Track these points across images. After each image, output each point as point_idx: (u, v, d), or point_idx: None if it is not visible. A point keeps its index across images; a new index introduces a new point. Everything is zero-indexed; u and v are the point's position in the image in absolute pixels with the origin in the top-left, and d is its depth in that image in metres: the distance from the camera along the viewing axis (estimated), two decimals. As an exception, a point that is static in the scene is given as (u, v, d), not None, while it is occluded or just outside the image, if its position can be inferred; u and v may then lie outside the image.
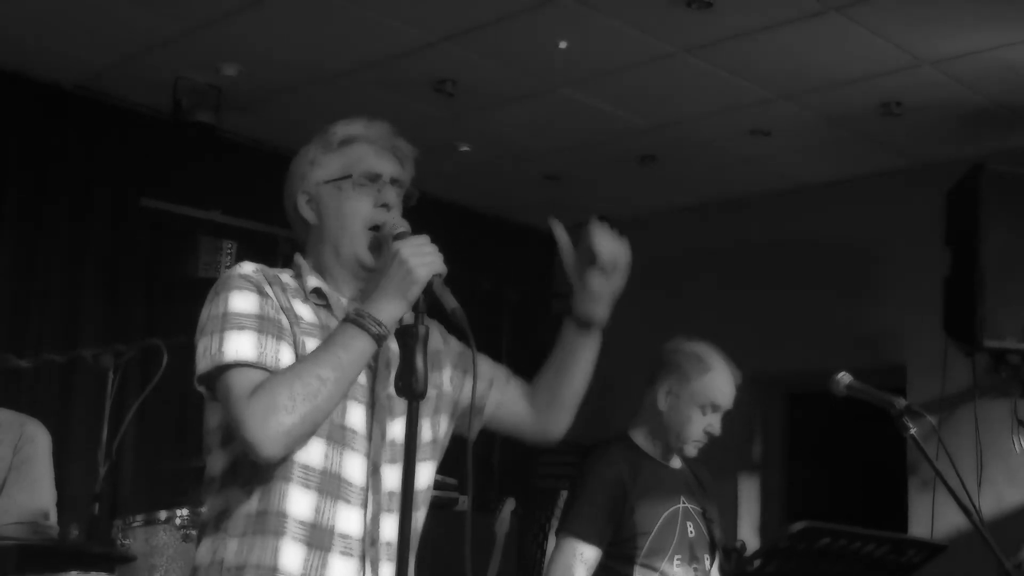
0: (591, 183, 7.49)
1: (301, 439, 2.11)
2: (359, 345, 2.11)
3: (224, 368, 2.12)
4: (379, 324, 2.12)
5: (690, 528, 3.51)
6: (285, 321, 2.20)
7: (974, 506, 3.17)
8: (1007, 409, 5.94)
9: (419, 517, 2.33)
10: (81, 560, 3.55)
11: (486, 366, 2.49)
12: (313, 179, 2.36)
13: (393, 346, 2.30)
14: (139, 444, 6.10)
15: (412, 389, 2.07)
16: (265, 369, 2.12)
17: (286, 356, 2.16)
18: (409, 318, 2.16)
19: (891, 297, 6.67)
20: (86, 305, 6.23)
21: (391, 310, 2.14)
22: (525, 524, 6.08)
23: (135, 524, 4.18)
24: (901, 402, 3.11)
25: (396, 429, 2.26)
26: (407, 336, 2.11)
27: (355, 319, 2.12)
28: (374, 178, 2.34)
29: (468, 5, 5.18)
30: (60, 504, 3.64)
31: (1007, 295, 5.34)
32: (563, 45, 5.47)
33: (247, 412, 2.06)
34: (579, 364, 2.51)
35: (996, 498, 5.92)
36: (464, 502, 5.67)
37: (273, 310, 2.19)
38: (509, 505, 5.24)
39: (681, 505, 3.52)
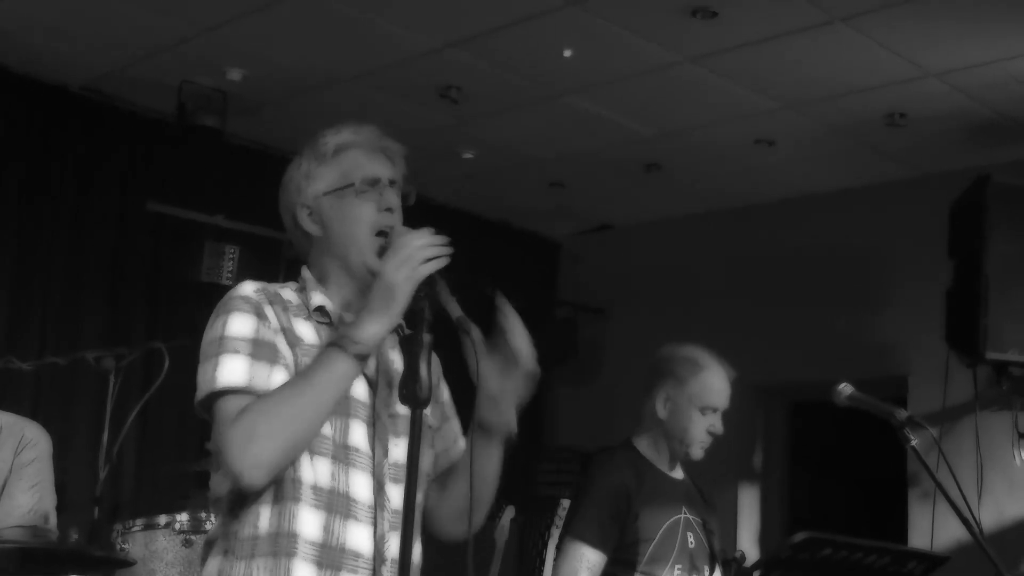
0: (596, 191, 7.50)
1: (283, 465, 2.11)
2: (339, 367, 2.11)
3: (217, 395, 2.13)
4: (358, 344, 2.11)
5: (690, 538, 3.51)
6: (283, 343, 2.19)
7: (974, 518, 3.17)
8: (1008, 421, 5.94)
9: (416, 544, 2.31)
10: (81, 564, 3.55)
11: (451, 433, 2.48)
12: (311, 192, 2.34)
13: (395, 364, 2.30)
14: (140, 448, 6.10)
15: (415, 397, 2.06)
16: (254, 394, 2.12)
17: (278, 381, 2.15)
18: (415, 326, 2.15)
19: (894, 308, 6.66)
20: (88, 308, 6.23)
21: (374, 329, 2.13)
22: (524, 532, 6.08)
23: (135, 528, 4.18)
24: (902, 413, 3.12)
25: (398, 448, 2.26)
26: (412, 344, 2.10)
27: (336, 341, 2.12)
28: (374, 183, 2.32)
29: (474, 12, 5.19)
30: (60, 507, 3.63)
31: (1010, 307, 5.33)
32: (568, 53, 5.48)
33: (228, 440, 2.07)
34: (477, 469, 2.28)
35: (996, 510, 5.91)
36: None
37: (270, 332, 2.19)
38: (509, 513, 5.24)
39: (683, 515, 3.52)
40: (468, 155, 6.95)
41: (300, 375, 2.13)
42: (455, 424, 2.49)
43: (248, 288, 2.25)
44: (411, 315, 2.17)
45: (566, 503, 3.64)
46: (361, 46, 5.57)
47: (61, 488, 3.72)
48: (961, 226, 5.64)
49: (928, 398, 6.14)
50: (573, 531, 3.43)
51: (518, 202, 7.79)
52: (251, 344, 2.16)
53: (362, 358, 2.12)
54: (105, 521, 4.59)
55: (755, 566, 3.20)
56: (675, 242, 7.79)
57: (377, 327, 2.13)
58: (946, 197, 5.74)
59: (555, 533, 4.73)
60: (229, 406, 2.10)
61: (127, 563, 3.86)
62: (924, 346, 6.22)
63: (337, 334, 2.14)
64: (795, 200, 7.18)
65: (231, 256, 6.16)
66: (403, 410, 2.27)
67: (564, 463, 7.71)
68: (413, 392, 2.06)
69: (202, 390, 2.15)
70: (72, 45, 5.75)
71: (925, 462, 3.12)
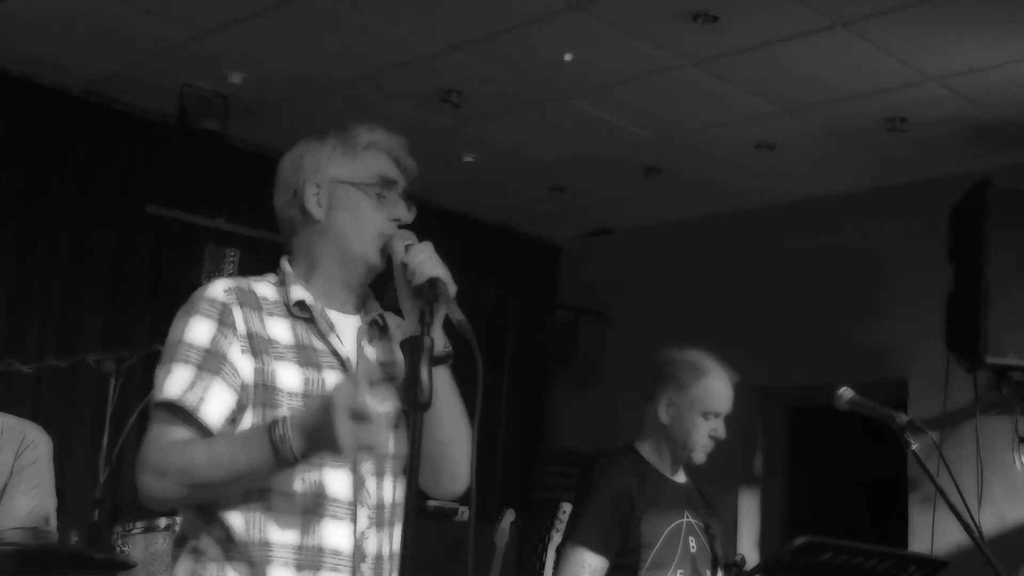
0: (596, 194, 7.50)
1: (179, 507, 2.21)
2: (265, 466, 2.05)
3: (159, 405, 2.15)
4: (295, 456, 2.03)
5: (692, 543, 3.50)
6: (236, 354, 2.16)
7: (974, 522, 3.17)
8: (1008, 426, 5.94)
9: (394, 533, 2.28)
10: (81, 566, 3.55)
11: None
12: (329, 173, 2.30)
13: (373, 355, 2.29)
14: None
15: (416, 400, 2.05)
16: (183, 410, 2.11)
17: (214, 399, 2.13)
18: (415, 329, 2.13)
19: (894, 311, 6.67)
20: (89, 310, 6.24)
21: (308, 449, 2.02)
22: (525, 535, 6.07)
23: (135, 531, 4.18)
24: (903, 417, 3.12)
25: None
26: (413, 347, 2.08)
27: (276, 441, 2.02)
28: (392, 190, 2.32)
29: (475, 16, 5.19)
30: (60, 510, 3.64)
31: (1010, 312, 5.33)
32: (569, 57, 5.48)
33: (145, 460, 2.10)
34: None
35: (996, 515, 5.91)
36: (464, 513, 5.66)
37: (227, 342, 2.16)
38: (509, 516, 5.23)
39: (685, 520, 3.51)
40: (469, 158, 6.96)
41: (227, 451, 2.08)
42: None
43: (217, 289, 2.23)
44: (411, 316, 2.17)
45: (567, 507, 3.63)
46: (362, 49, 5.58)
47: (61, 490, 3.73)
48: (961, 230, 5.64)
49: (928, 402, 6.14)
50: (575, 536, 3.42)
51: (519, 205, 7.79)
52: (203, 354, 2.15)
53: (288, 467, 2.06)
54: (105, 523, 4.59)
55: (755, 570, 3.20)
56: (676, 245, 7.79)
57: (311, 451, 2.03)
58: (946, 201, 5.75)
59: (555, 537, 4.72)
60: (163, 427, 2.13)
61: (127, 565, 3.86)
62: (924, 350, 6.22)
63: (280, 429, 2.02)
64: (796, 204, 7.18)
65: (232, 259, 6.17)
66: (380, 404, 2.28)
67: (565, 466, 7.71)
68: (414, 395, 2.04)
69: (154, 396, 2.17)
70: (73, 48, 5.76)
71: (925, 466, 3.13)
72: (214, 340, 2.16)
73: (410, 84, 5.91)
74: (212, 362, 2.14)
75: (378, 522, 2.22)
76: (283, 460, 2.02)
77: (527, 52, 5.50)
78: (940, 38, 5.03)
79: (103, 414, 4.74)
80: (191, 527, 2.19)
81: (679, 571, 3.45)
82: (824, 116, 5.97)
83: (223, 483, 2.08)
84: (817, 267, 7.03)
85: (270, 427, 2.04)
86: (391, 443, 2.26)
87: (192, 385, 2.12)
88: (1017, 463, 5.93)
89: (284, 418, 2.04)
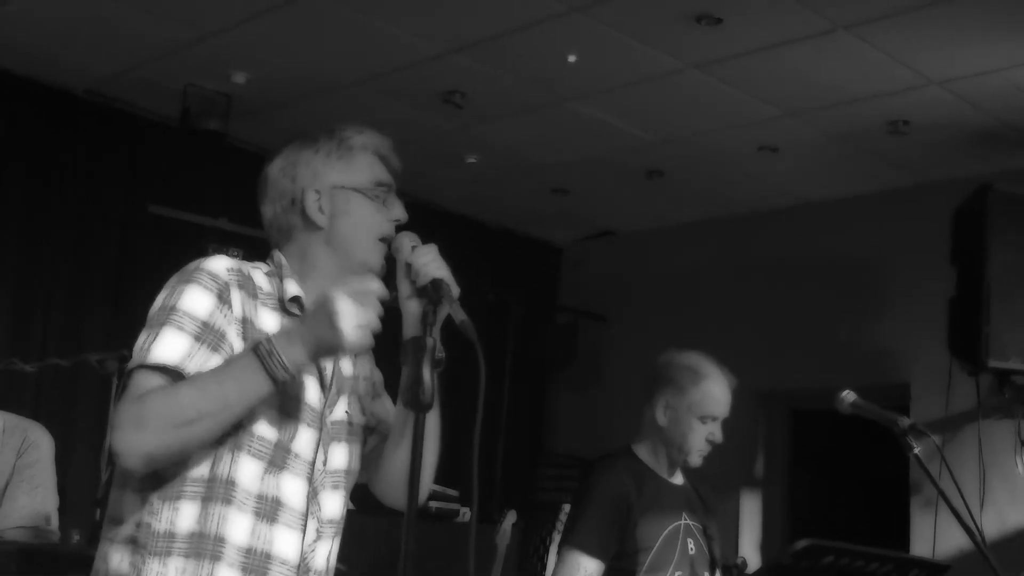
0: (598, 197, 7.51)
1: (165, 460, 2.01)
2: (255, 386, 1.99)
3: (145, 367, 2.04)
4: (285, 369, 1.98)
5: (691, 545, 3.50)
6: (234, 334, 2.11)
7: (977, 526, 3.17)
8: (1011, 429, 5.93)
9: (333, 548, 2.26)
10: (82, 565, 3.54)
11: (390, 410, 2.39)
12: (328, 180, 2.28)
13: (345, 369, 2.27)
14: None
15: (419, 401, 2.03)
16: (180, 376, 2.02)
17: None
18: (418, 330, 2.13)
19: (896, 315, 6.67)
20: (92, 310, 6.25)
21: (301, 357, 2.00)
22: (526, 537, 6.07)
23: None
24: (905, 421, 3.12)
25: (337, 455, 2.24)
26: (415, 348, 2.07)
27: (263, 356, 1.98)
28: (390, 190, 2.32)
29: (478, 17, 5.19)
30: (62, 509, 3.64)
31: (1012, 315, 5.33)
32: (572, 59, 5.49)
33: (121, 418, 1.98)
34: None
35: (999, 518, 5.90)
36: (465, 514, 5.66)
37: (224, 321, 2.10)
38: (510, 518, 5.23)
39: (683, 522, 3.51)
40: (471, 160, 6.96)
41: (212, 379, 2.00)
42: (386, 399, 2.42)
43: (220, 265, 2.16)
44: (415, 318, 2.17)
45: (568, 508, 3.63)
46: (365, 50, 5.58)
47: (63, 490, 3.73)
48: (963, 233, 5.64)
49: (930, 406, 6.14)
50: (572, 540, 3.42)
51: (520, 207, 7.80)
52: (200, 326, 2.07)
53: (282, 384, 2.01)
54: (106, 523, 4.58)
55: (757, 573, 3.20)
56: (677, 249, 7.79)
57: (304, 359, 2.01)
58: (948, 204, 5.75)
59: (556, 539, 4.73)
60: (144, 381, 2.02)
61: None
62: (926, 353, 6.22)
63: (265, 345, 1.98)
64: (798, 207, 7.18)
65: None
66: (341, 416, 2.25)
67: (565, 468, 7.71)
68: (417, 396, 2.03)
69: (136, 359, 2.05)
70: (76, 49, 5.76)
71: (928, 470, 3.12)
72: (212, 315, 2.09)
73: (412, 85, 5.92)
74: (210, 337, 2.07)
75: (325, 536, 2.21)
76: (273, 376, 1.98)
77: (530, 54, 5.50)
78: (942, 42, 5.03)
79: (105, 414, 4.73)
80: (129, 513, 2.09)
81: (677, 573, 3.44)
82: (827, 119, 5.97)
83: (211, 414, 1.97)
84: (819, 270, 7.03)
85: (255, 347, 1.99)
86: (345, 458, 2.27)
87: (190, 355, 2.04)
88: (1019, 466, 5.93)
89: (267, 336, 2.01)
